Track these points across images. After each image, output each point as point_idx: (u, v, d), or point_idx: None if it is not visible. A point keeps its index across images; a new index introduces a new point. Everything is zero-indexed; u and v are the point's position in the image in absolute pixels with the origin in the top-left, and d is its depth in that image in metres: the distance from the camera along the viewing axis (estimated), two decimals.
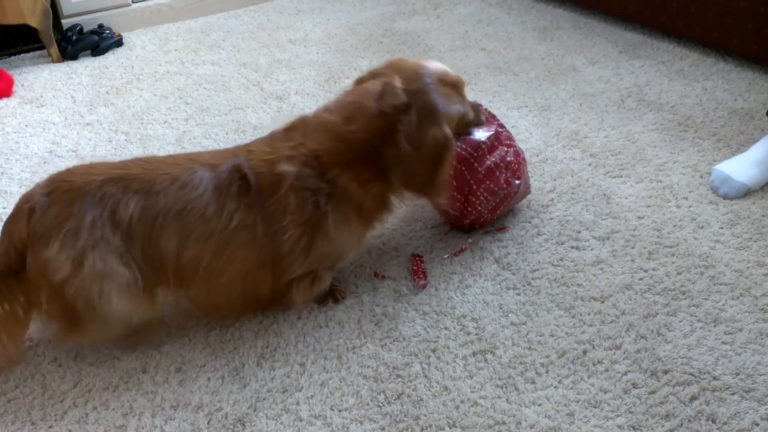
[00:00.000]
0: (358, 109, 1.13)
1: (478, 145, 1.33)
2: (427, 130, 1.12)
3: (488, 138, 1.34)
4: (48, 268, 1.03)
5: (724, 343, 1.16)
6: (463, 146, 1.31)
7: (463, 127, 1.29)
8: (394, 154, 1.12)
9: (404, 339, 1.19)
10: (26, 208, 1.06)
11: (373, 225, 1.24)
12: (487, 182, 1.35)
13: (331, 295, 1.29)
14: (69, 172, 1.11)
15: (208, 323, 1.24)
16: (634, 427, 1.03)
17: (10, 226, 1.08)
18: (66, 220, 1.04)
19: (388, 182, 1.16)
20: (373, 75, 1.19)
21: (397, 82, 1.13)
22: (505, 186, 1.37)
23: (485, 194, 1.36)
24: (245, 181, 1.10)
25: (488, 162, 1.34)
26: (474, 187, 1.34)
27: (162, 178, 1.08)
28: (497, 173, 1.35)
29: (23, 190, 1.61)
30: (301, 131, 1.15)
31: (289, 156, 1.12)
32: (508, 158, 1.37)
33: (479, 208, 1.38)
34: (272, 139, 1.17)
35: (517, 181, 1.39)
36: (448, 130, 1.14)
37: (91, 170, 1.09)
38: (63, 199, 1.05)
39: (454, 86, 1.20)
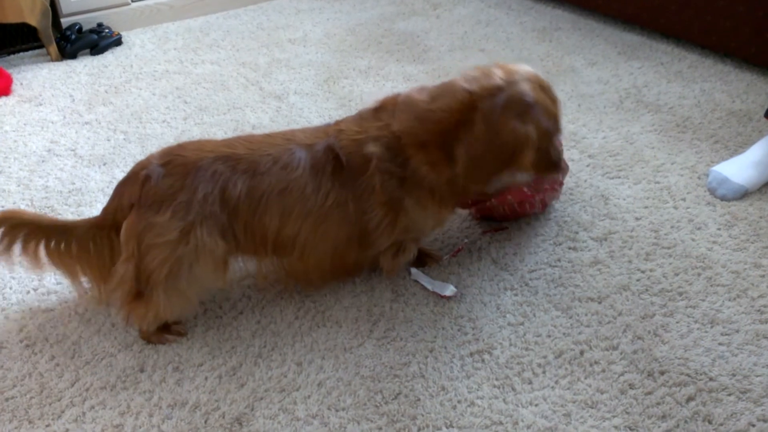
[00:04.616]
0: (447, 89, 1.14)
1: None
2: (510, 119, 1.08)
3: None
4: (152, 231, 1.07)
5: (720, 344, 1.16)
6: None
7: (542, 154, 1.14)
8: (467, 137, 1.10)
9: (402, 339, 1.19)
10: (142, 175, 1.11)
11: (451, 208, 1.24)
12: (546, 195, 1.41)
13: (428, 257, 1.35)
14: (181, 146, 1.15)
15: (205, 322, 1.24)
16: (630, 428, 1.03)
17: (122, 188, 1.13)
18: (180, 191, 1.09)
19: (455, 169, 1.14)
20: (477, 68, 1.17)
21: (497, 70, 1.12)
22: (555, 199, 1.44)
23: (539, 205, 1.42)
24: (338, 161, 1.14)
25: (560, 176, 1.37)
26: (535, 198, 1.39)
27: (265, 159, 1.14)
28: (558, 187, 1.41)
29: (21, 189, 1.62)
30: (389, 111, 1.17)
31: (375, 136, 1.15)
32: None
33: (528, 211, 1.43)
34: (361, 118, 1.20)
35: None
36: (531, 130, 1.10)
37: (202, 146, 1.15)
38: (178, 171, 1.10)
39: (553, 101, 1.16)
